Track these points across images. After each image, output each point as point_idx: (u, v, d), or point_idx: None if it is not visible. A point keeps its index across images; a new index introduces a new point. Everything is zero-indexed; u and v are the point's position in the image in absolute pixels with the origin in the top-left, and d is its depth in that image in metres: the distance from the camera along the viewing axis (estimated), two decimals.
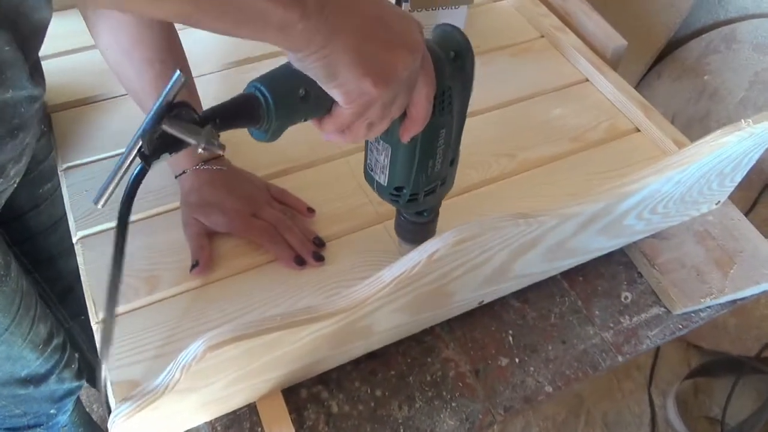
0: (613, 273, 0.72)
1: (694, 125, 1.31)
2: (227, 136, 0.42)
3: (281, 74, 0.42)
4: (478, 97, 0.83)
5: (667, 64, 1.40)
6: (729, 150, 0.62)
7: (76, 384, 0.86)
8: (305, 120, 0.45)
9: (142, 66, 0.62)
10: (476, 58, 0.90)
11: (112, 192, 0.40)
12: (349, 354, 0.61)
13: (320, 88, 0.41)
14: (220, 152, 0.40)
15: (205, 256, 0.64)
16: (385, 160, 0.52)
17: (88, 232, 0.67)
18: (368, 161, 0.55)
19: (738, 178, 0.71)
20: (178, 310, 0.62)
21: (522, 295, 0.69)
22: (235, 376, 0.52)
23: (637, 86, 1.45)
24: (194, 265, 0.64)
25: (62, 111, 0.79)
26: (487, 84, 0.86)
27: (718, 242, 0.73)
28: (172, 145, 0.39)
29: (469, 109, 0.81)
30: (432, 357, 0.65)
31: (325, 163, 0.75)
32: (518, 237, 0.56)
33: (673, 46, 1.40)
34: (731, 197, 0.76)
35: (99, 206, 0.40)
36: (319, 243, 0.67)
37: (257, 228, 0.66)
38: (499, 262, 0.58)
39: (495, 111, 0.82)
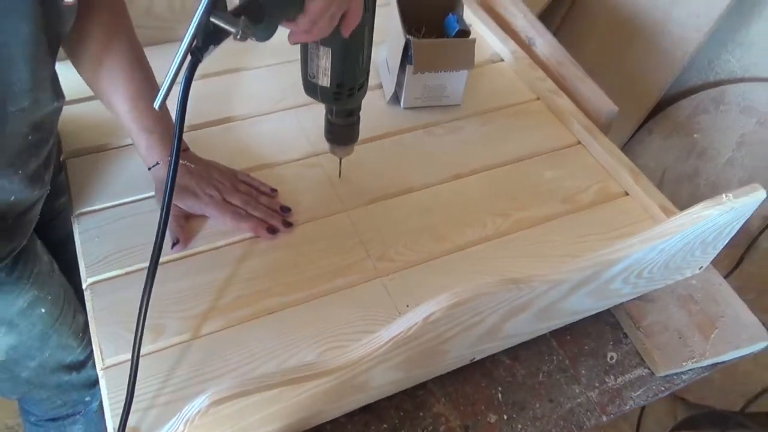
0: (600, 333, 0.75)
1: (683, 182, 1.35)
2: None
3: None
4: (476, 156, 0.88)
5: (659, 121, 1.45)
6: (711, 222, 0.66)
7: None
8: (288, 18, 0.54)
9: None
10: (476, 117, 0.96)
11: (169, 89, 0.48)
12: (344, 408, 0.63)
13: None
14: (257, 39, 0.50)
15: (184, 234, 0.73)
16: (327, 63, 0.63)
17: (98, 278, 0.70)
18: (309, 71, 0.65)
19: (720, 246, 0.74)
20: (180, 359, 0.64)
21: (512, 352, 0.72)
22: (234, 429, 0.54)
23: (630, 141, 1.50)
24: (174, 243, 0.72)
25: (76, 158, 0.82)
26: (486, 143, 0.89)
27: (701, 306, 0.76)
28: (216, 36, 0.48)
29: (468, 168, 0.86)
30: (424, 411, 0.67)
31: (327, 218, 0.79)
32: (510, 301, 0.59)
33: (665, 104, 1.45)
34: (717, 255, 0.79)
35: (156, 107, 0.49)
36: (285, 210, 0.78)
37: (229, 209, 0.75)
38: (491, 323, 0.61)
39: (492, 170, 0.86)
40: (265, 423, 0.56)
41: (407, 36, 0.85)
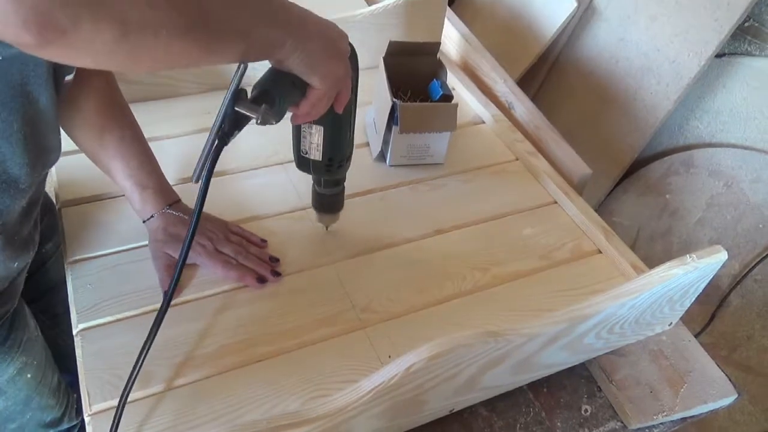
0: (574, 386, 0.78)
1: (657, 240, 1.41)
2: None
3: (273, 76, 0.57)
4: (458, 212, 0.92)
5: (633, 181, 1.51)
6: (676, 281, 0.70)
7: (76, 421, 0.93)
8: (292, 102, 0.60)
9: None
10: (458, 176, 1.00)
11: (203, 168, 0.56)
12: None
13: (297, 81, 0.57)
14: (273, 122, 0.56)
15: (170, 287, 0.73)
16: (319, 139, 0.70)
17: (88, 325, 0.72)
18: (302, 148, 0.71)
19: (687, 303, 0.78)
20: (168, 406, 0.66)
21: (490, 404, 0.74)
22: None
23: (606, 199, 1.56)
24: (166, 292, 0.70)
25: (71, 207, 0.85)
26: (467, 200, 0.94)
27: (671, 362, 0.79)
28: (239, 122, 0.55)
29: (452, 223, 0.90)
30: None
31: (314, 269, 0.81)
32: (487, 353, 0.61)
33: (638, 165, 1.52)
34: (690, 311, 0.82)
35: (194, 182, 0.56)
36: (274, 260, 0.81)
37: (220, 259, 0.78)
38: (469, 374, 0.63)
39: (472, 226, 0.90)
40: None
41: (394, 99, 0.90)
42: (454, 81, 1.16)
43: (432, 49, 1.00)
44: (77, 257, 0.79)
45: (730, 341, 1.26)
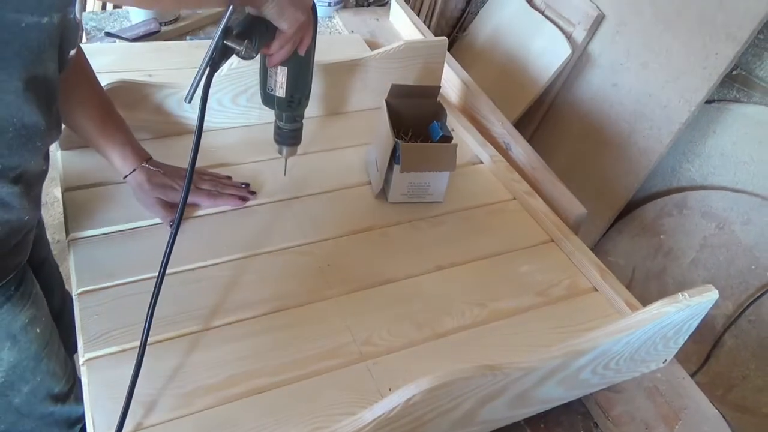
0: (571, 422, 0.79)
1: (651, 279, 1.43)
2: None
3: (251, 21, 0.69)
4: (457, 250, 0.94)
5: (627, 222, 1.54)
6: (669, 318, 0.72)
7: (82, 410, 0.91)
8: (265, 43, 0.72)
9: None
10: (458, 214, 1.04)
11: (194, 91, 0.65)
12: None
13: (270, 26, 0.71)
14: (251, 57, 0.69)
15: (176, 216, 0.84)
16: (283, 79, 0.82)
17: (95, 354, 0.73)
18: (268, 86, 0.84)
19: (681, 341, 0.80)
20: None
21: None
22: None
23: (602, 239, 1.59)
24: (172, 224, 0.84)
25: (81, 240, 0.87)
26: (465, 238, 0.97)
27: (666, 398, 0.81)
28: (227, 53, 0.67)
29: (451, 260, 0.93)
30: None
31: (315, 303, 0.83)
32: (485, 387, 0.63)
33: (633, 206, 1.55)
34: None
35: (187, 102, 0.65)
36: (245, 185, 0.99)
37: (203, 192, 0.94)
38: (467, 408, 0.65)
39: (471, 263, 0.93)
40: None
41: (395, 139, 0.94)
42: (453, 122, 1.20)
43: (432, 92, 1.04)
44: (85, 288, 0.80)
45: (725, 381, 1.27)
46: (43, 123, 0.66)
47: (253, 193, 0.98)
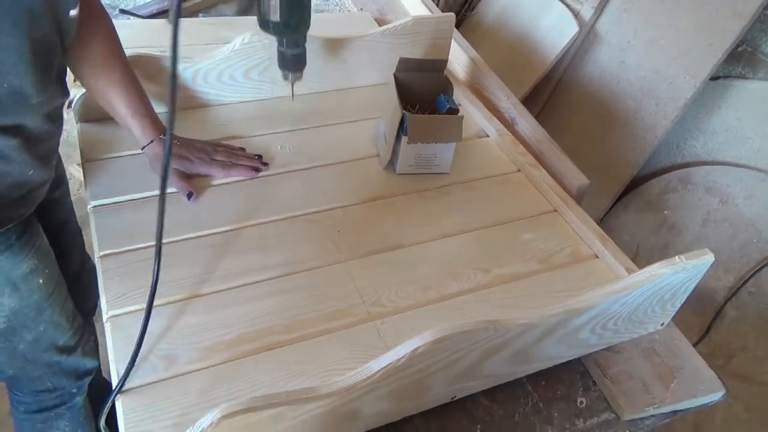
0: (571, 380, 0.82)
1: (655, 254, 1.46)
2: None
3: None
4: (462, 218, 0.97)
5: (632, 197, 1.57)
6: (665, 280, 0.75)
7: (91, 364, 1.01)
8: None
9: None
10: (463, 184, 1.06)
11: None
12: None
13: None
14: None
15: (192, 187, 0.94)
16: (275, 3, 0.84)
17: (117, 312, 0.77)
18: (262, 11, 0.86)
19: (678, 304, 0.83)
20: (190, 387, 0.71)
21: (491, 394, 0.79)
22: None
23: (607, 215, 1.61)
24: (190, 194, 0.93)
25: (101, 207, 0.91)
26: (471, 207, 0.99)
27: (662, 359, 0.84)
28: None
29: (457, 228, 0.96)
30: None
31: (326, 267, 0.87)
32: (487, 341, 0.66)
33: (638, 182, 1.57)
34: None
35: (169, 23, 0.68)
36: (260, 157, 1.02)
37: (217, 164, 0.97)
38: (471, 361, 0.68)
39: (476, 231, 0.96)
40: None
41: (403, 111, 0.97)
42: (460, 97, 1.22)
43: (439, 65, 1.07)
44: (107, 251, 0.84)
45: (726, 351, 1.29)
46: (39, 82, 0.70)
47: (266, 164, 1.01)
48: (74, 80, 0.91)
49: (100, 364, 1.04)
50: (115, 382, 0.70)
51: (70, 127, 2.26)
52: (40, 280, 0.86)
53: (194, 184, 0.95)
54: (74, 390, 1.03)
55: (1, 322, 0.84)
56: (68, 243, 1.07)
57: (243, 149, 1.03)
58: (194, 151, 0.96)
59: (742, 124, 1.39)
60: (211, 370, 0.73)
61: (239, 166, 0.99)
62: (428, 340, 0.62)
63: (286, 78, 0.99)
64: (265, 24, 0.88)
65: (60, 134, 0.85)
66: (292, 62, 0.96)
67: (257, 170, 1.00)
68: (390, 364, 0.62)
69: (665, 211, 1.47)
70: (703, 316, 1.33)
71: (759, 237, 1.31)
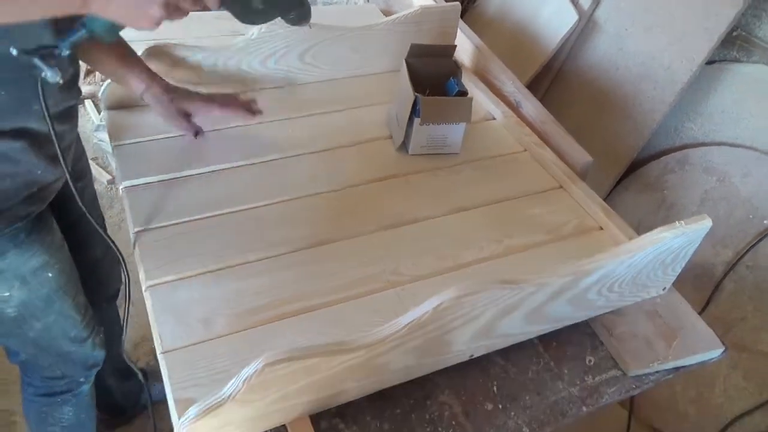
0: (579, 341, 0.88)
1: None
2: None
3: None
4: (474, 194, 1.03)
5: (633, 179, 1.62)
6: (666, 244, 0.80)
7: (100, 355, 1.06)
8: None
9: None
10: (473, 163, 1.11)
11: None
12: (365, 389, 0.74)
13: None
14: None
15: (195, 127, 1.03)
16: None
17: (154, 282, 0.82)
18: None
19: (678, 269, 0.88)
20: (227, 348, 0.76)
21: (505, 354, 0.84)
22: (278, 395, 0.66)
23: (608, 196, 1.66)
24: (197, 133, 1.03)
25: (133, 188, 0.96)
26: (481, 184, 1.05)
27: (665, 320, 0.89)
28: None
29: (468, 203, 1.01)
30: (431, 400, 0.79)
31: (348, 239, 0.92)
32: (503, 299, 0.72)
33: (637, 165, 1.63)
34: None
35: None
36: (254, 101, 1.08)
37: (216, 103, 1.03)
38: (488, 318, 0.74)
39: (487, 206, 1.01)
40: (303, 393, 0.68)
41: (415, 94, 1.02)
42: (467, 83, 1.26)
43: (448, 51, 1.12)
44: (140, 228, 0.90)
45: (725, 323, 1.34)
46: (39, 90, 0.72)
47: (260, 112, 1.07)
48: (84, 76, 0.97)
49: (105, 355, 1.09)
50: (157, 343, 0.76)
51: (84, 122, 2.30)
52: (50, 275, 0.90)
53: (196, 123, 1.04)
54: (82, 379, 1.08)
55: (11, 311, 0.90)
56: (89, 231, 1.07)
57: (237, 95, 1.09)
58: (194, 94, 1.02)
59: (737, 105, 1.45)
60: (246, 332, 0.78)
61: (235, 106, 1.04)
62: (450, 296, 0.67)
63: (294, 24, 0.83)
64: None
65: (75, 133, 0.90)
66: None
67: (252, 112, 1.05)
68: (416, 319, 0.67)
69: (664, 191, 1.53)
70: (703, 290, 1.39)
71: (755, 213, 1.36)
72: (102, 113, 1.10)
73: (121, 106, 1.09)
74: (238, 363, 0.74)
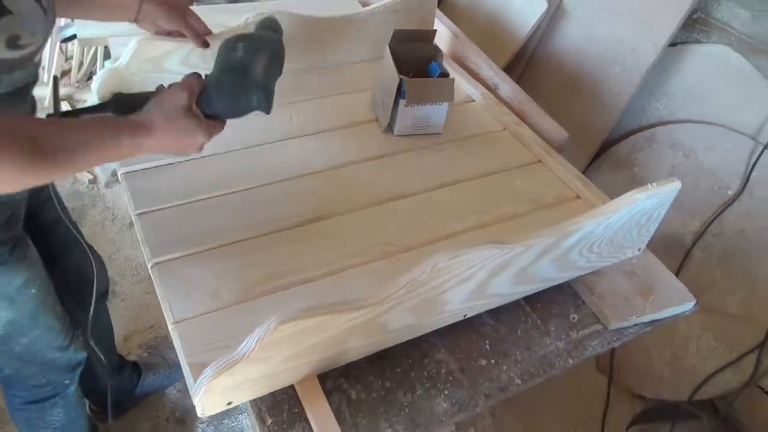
0: (563, 300, 0.94)
1: None
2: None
3: None
4: (458, 170, 1.08)
5: (605, 159, 1.70)
6: (640, 205, 0.86)
7: (82, 355, 1.08)
8: None
9: None
10: (455, 142, 1.16)
11: None
12: (368, 348, 0.79)
13: None
14: None
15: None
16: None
17: (159, 260, 0.86)
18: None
19: (652, 230, 0.94)
20: (234, 317, 0.80)
21: (495, 315, 0.90)
22: (289, 354, 0.70)
23: (583, 174, 1.74)
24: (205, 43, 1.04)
25: (132, 174, 0.99)
26: (464, 161, 1.10)
27: (641, 278, 0.96)
28: None
29: (453, 178, 1.06)
30: (428, 359, 0.84)
31: (342, 215, 0.97)
32: (493, 259, 0.77)
33: (608, 144, 1.71)
34: (651, 238, 0.99)
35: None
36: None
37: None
38: (480, 279, 0.79)
39: (471, 180, 1.07)
40: (311, 352, 0.72)
41: (400, 76, 1.07)
42: (446, 68, 1.32)
43: (429, 36, 1.17)
44: (141, 210, 0.93)
45: (695, 289, 1.41)
46: None
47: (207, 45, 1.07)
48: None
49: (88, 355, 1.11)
50: (167, 315, 0.79)
51: None
52: (33, 290, 0.93)
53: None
54: (67, 381, 1.10)
55: None
56: (65, 237, 1.09)
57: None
58: (184, 6, 1.03)
59: (699, 84, 1.53)
60: (252, 302, 0.82)
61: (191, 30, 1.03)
62: (445, 257, 0.72)
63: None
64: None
65: None
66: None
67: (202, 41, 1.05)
68: (414, 278, 0.72)
69: (635, 168, 1.61)
70: (674, 259, 1.47)
71: (719, 184, 1.45)
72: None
73: None
74: (246, 330, 0.77)
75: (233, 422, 1.47)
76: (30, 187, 0.65)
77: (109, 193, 2.05)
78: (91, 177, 2.11)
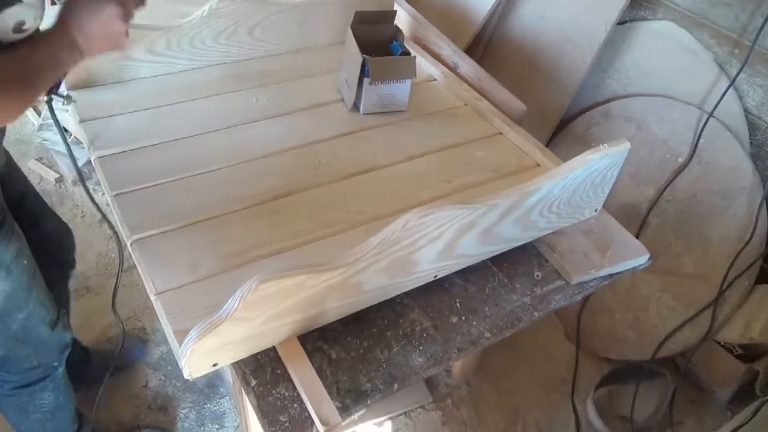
0: (527, 260, 0.99)
1: None
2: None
3: None
4: (424, 144, 1.13)
5: (563, 136, 1.77)
6: (594, 165, 0.92)
7: (69, 336, 1.11)
8: None
9: None
10: (420, 118, 1.21)
11: None
12: (345, 309, 0.83)
13: None
14: None
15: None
16: None
17: (139, 237, 0.88)
18: None
19: (606, 190, 1.00)
20: (213, 287, 0.83)
21: (464, 275, 0.94)
22: (270, 314, 0.74)
23: None
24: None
25: (105, 158, 1.01)
26: (429, 135, 1.15)
27: (598, 236, 1.02)
28: None
29: (420, 152, 1.10)
30: (402, 318, 0.88)
31: (315, 188, 1.01)
32: (460, 218, 0.82)
33: (565, 122, 1.77)
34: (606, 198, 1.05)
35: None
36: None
37: None
38: (448, 239, 0.83)
39: (436, 153, 1.11)
40: (291, 312, 0.76)
41: (363, 56, 1.11)
42: (407, 48, 1.37)
43: (389, 17, 1.21)
44: (117, 191, 0.95)
45: (652, 252, 1.50)
46: None
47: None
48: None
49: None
50: (149, 287, 0.82)
51: (21, 125, 2.28)
52: (25, 261, 0.96)
53: None
54: (56, 363, 1.12)
55: None
56: (37, 209, 1.14)
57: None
58: None
59: (648, 59, 1.61)
60: (230, 272, 0.86)
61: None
62: (415, 215, 0.77)
63: None
64: None
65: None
66: None
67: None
68: (386, 237, 0.76)
69: (591, 143, 1.67)
70: (632, 227, 1.54)
71: (671, 153, 1.53)
72: (65, 94, 1.12)
73: (85, 85, 1.13)
74: (226, 298, 0.81)
75: (215, 406, 1.49)
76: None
77: (77, 191, 2.04)
78: (57, 176, 2.09)
